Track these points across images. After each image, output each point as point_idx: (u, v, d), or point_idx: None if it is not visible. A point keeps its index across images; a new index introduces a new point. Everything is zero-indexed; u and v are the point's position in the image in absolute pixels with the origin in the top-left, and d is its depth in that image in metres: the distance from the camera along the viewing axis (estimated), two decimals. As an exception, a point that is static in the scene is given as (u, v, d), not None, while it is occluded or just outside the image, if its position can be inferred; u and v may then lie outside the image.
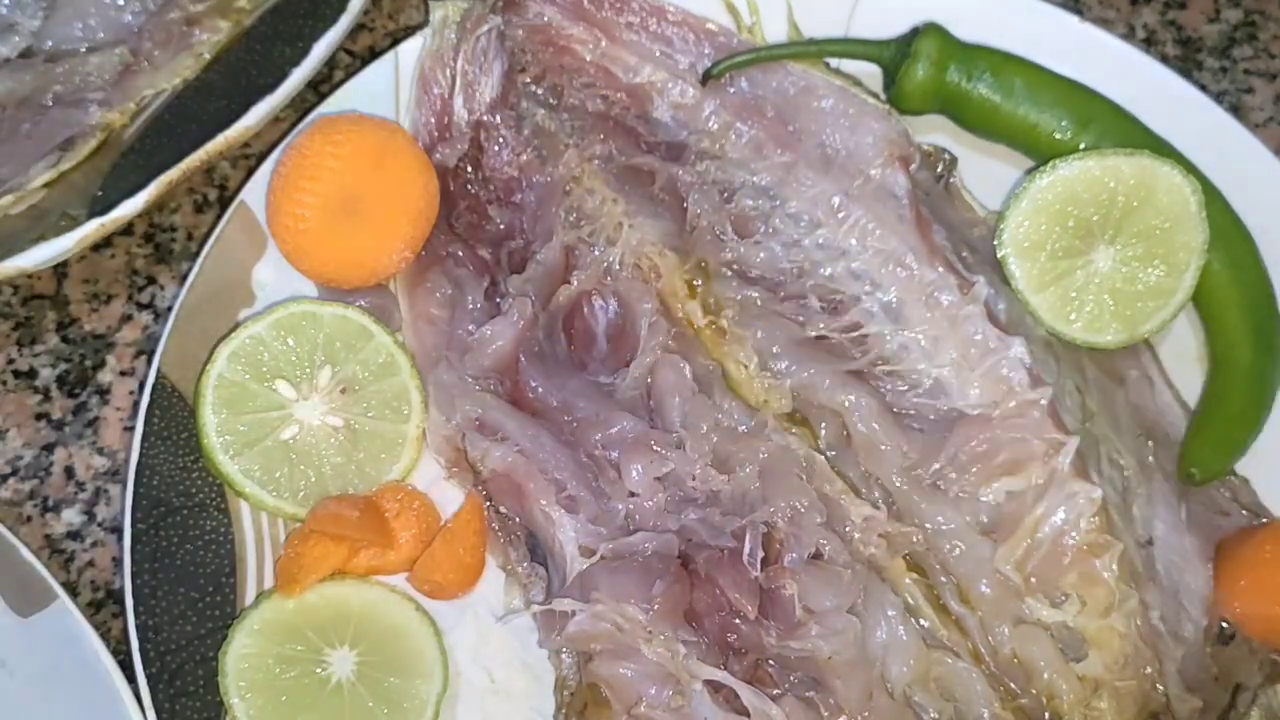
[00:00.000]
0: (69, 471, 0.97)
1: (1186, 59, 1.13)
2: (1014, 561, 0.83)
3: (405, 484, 0.90)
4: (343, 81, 0.98)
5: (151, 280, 1.02)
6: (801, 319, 0.90)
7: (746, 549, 0.81)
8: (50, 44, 1.00)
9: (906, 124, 0.96)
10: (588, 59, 1.00)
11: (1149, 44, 1.14)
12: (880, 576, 0.84)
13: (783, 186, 0.95)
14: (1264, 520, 0.89)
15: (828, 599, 0.80)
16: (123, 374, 1.00)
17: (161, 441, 0.88)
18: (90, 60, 0.98)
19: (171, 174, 0.91)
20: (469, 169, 0.98)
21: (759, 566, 0.80)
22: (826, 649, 0.78)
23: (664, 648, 0.78)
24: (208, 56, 0.99)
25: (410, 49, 0.98)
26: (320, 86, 1.08)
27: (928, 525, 0.85)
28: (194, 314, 0.91)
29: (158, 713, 0.82)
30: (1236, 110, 1.11)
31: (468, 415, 0.87)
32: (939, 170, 0.97)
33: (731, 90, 0.98)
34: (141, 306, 1.02)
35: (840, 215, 0.93)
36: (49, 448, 0.97)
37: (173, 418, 0.88)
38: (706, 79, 0.97)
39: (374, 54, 1.08)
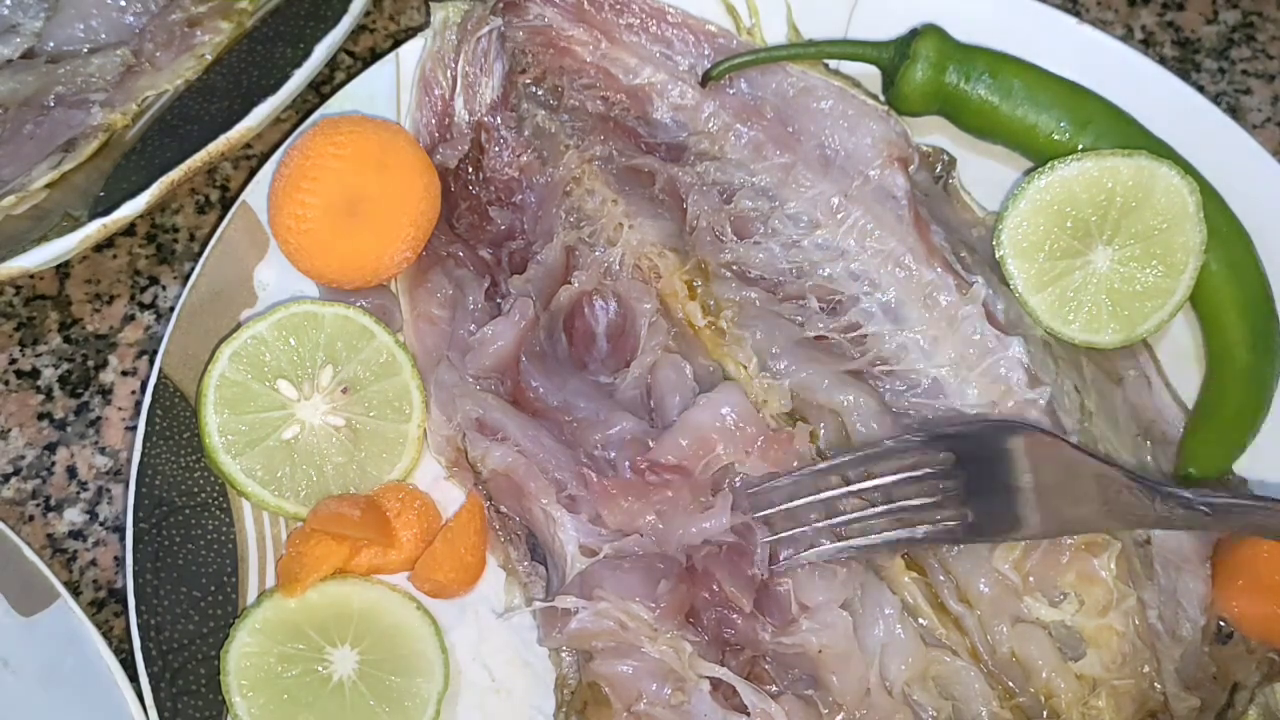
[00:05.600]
0: (71, 471, 0.97)
1: (1184, 60, 1.14)
2: (1012, 560, 0.83)
3: (406, 483, 0.90)
4: (344, 83, 0.99)
5: (154, 280, 1.03)
6: (800, 319, 0.90)
7: (756, 555, 0.80)
8: (52, 45, 1.00)
9: (905, 125, 0.96)
10: (588, 60, 1.00)
11: (1147, 45, 1.14)
12: (879, 575, 0.84)
13: (782, 187, 0.95)
14: (1261, 520, 0.89)
15: (821, 594, 0.80)
16: (125, 374, 1.00)
17: (163, 441, 0.88)
18: (92, 61, 0.98)
19: (173, 175, 0.92)
20: (470, 170, 0.98)
21: (766, 570, 0.81)
22: (816, 642, 0.79)
23: (669, 645, 0.78)
24: (209, 57, 0.99)
25: (411, 50, 0.98)
26: (322, 88, 1.09)
27: (926, 524, 0.85)
28: (196, 314, 0.91)
29: (160, 711, 0.82)
30: (1234, 111, 1.11)
31: (468, 415, 0.87)
32: (938, 171, 0.97)
33: (731, 91, 0.98)
34: (144, 307, 1.02)
35: (839, 216, 0.93)
36: (51, 447, 0.97)
37: (175, 417, 0.89)
38: (706, 80, 0.98)
39: (375, 55, 1.08)
